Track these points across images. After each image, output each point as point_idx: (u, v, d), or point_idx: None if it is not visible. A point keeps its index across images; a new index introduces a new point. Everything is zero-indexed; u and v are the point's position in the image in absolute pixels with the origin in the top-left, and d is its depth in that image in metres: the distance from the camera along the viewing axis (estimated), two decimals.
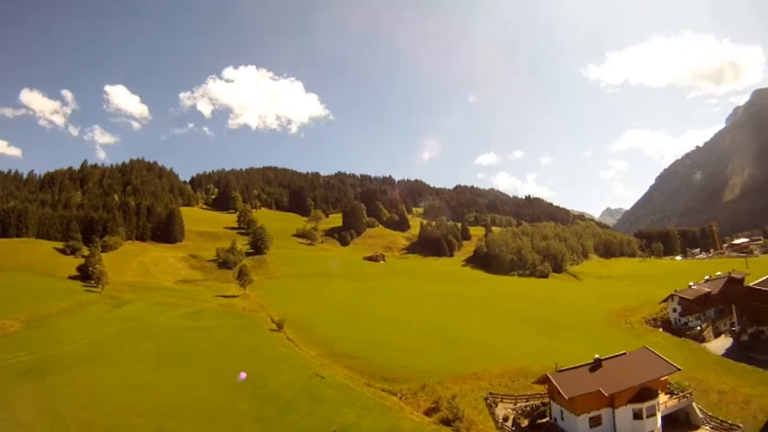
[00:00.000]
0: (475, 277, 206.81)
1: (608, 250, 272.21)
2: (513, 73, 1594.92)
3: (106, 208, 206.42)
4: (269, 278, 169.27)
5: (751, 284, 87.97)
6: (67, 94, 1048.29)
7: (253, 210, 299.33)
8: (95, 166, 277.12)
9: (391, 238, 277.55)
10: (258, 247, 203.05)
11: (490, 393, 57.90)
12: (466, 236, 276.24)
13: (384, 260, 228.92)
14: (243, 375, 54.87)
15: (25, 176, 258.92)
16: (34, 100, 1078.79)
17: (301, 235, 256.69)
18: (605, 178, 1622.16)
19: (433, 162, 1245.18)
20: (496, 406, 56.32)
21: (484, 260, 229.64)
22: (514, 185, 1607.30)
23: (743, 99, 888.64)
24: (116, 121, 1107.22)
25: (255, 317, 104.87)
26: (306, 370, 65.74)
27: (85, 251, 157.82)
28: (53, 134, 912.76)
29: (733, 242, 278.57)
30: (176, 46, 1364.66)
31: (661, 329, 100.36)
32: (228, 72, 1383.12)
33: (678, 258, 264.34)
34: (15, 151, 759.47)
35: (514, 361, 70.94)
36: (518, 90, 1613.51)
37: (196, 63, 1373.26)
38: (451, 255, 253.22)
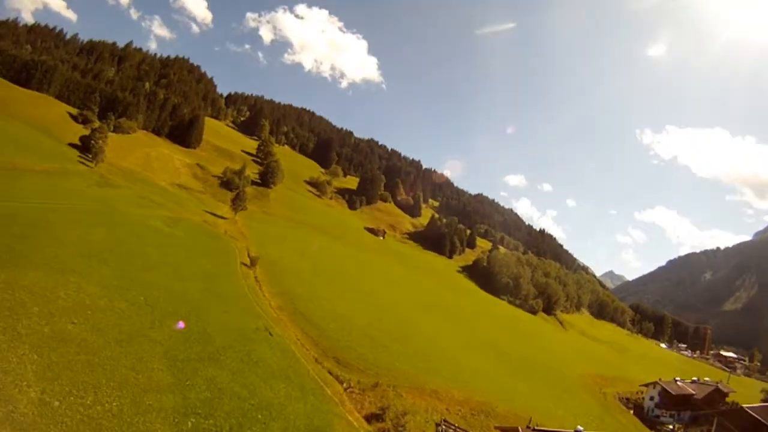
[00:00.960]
0: (466, 288, 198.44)
1: (601, 311, 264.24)
2: (570, 110, 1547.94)
3: (133, 92, 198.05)
4: (264, 213, 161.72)
5: (744, 405, 79.24)
6: None
7: (277, 145, 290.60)
8: (139, 49, 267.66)
9: (399, 219, 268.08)
10: (266, 179, 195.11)
11: (444, 420, 48.65)
12: (472, 244, 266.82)
13: (384, 237, 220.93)
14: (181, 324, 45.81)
15: (68, 37, 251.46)
16: None
17: (313, 184, 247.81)
18: (620, 243, 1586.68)
19: (463, 162, 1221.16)
20: None
21: (481, 274, 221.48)
22: (532, 215, 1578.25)
23: None
24: (178, 18, 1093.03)
25: (232, 245, 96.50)
26: (258, 319, 57.12)
27: (96, 124, 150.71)
28: (113, 11, 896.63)
29: (721, 352, 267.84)
30: None
31: (632, 412, 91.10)
32: (300, 8, 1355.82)
33: (663, 345, 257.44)
34: (71, 15, 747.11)
35: (479, 391, 61.75)
36: (571, 127, 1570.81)
37: None
38: (450, 257, 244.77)
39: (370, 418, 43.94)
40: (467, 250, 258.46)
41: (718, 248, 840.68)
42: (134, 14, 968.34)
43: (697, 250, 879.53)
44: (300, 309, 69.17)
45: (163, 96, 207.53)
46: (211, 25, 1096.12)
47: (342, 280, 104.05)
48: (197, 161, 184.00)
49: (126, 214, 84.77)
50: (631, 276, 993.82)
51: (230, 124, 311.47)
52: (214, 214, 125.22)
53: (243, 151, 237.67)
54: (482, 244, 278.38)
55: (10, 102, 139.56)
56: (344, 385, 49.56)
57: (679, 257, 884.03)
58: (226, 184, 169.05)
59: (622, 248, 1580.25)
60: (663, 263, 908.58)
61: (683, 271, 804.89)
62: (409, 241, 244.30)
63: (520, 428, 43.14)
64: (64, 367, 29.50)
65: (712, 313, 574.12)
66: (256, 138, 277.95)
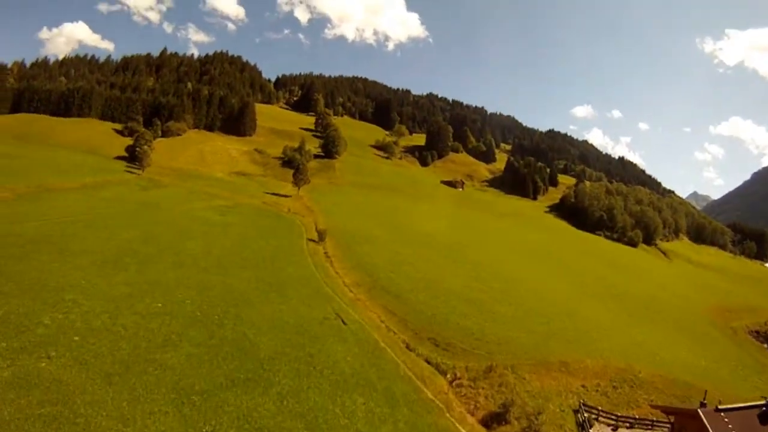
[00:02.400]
0: (558, 227, 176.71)
1: (699, 235, 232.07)
2: (626, 28, 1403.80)
3: (176, 94, 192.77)
4: (331, 183, 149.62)
5: None
6: None
7: (335, 117, 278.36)
8: (174, 54, 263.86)
9: (474, 167, 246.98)
10: (329, 150, 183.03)
11: (583, 404, 33.35)
12: (554, 182, 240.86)
13: (462, 187, 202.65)
14: None
15: (101, 60, 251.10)
16: None
17: (380, 147, 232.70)
18: (699, 161, 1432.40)
19: (526, 100, 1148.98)
20: (591, 427, 32.09)
21: (570, 211, 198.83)
22: (606, 145, 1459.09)
23: None
24: (211, 20, 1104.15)
25: (296, 221, 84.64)
26: (327, 304, 43.77)
27: (146, 134, 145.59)
28: (147, 30, 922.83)
29: None
30: None
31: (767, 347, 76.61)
32: None
33: None
34: (108, 45, 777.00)
35: (614, 354, 45.85)
36: (628, 47, 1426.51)
37: None
38: (535, 198, 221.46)
39: (488, 422, 29.39)
40: (550, 188, 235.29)
41: None
42: (168, 28, 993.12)
43: None
44: (381, 281, 55.15)
45: (207, 92, 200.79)
46: (245, 19, 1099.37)
47: (425, 240, 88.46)
48: (254, 147, 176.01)
49: (169, 211, 75.10)
50: (716, 195, 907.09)
51: (283, 106, 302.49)
52: (276, 194, 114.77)
53: (301, 128, 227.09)
54: (564, 180, 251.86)
55: (51, 133, 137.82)
56: (448, 376, 35.47)
57: (764, 168, 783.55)
58: (287, 163, 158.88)
59: (702, 166, 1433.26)
60: (747, 177, 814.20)
61: None
62: (489, 188, 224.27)
63: (700, 412, 25.99)
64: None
65: None
66: (312, 114, 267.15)
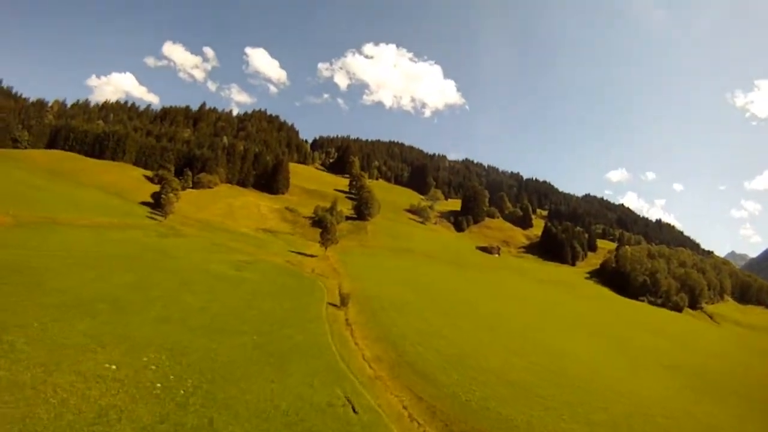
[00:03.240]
0: (600, 294, 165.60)
1: (744, 295, 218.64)
2: (655, 89, 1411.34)
3: (211, 147, 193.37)
4: (362, 246, 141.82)
5: None
6: (209, 51, 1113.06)
7: (371, 180, 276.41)
8: (213, 109, 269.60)
9: (511, 233, 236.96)
10: (361, 212, 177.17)
11: None
12: (593, 247, 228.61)
13: (499, 253, 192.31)
14: None
15: (141, 108, 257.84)
16: (175, 53, 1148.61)
17: (414, 211, 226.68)
18: (736, 218, 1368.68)
19: (561, 168, 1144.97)
20: None
21: (612, 277, 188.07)
22: (641, 208, 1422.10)
23: None
24: (254, 82, 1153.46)
25: (319, 283, 76.02)
26: (337, 384, 34.45)
27: (174, 182, 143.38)
28: (191, 87, 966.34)
29: None
30: (318, 17, 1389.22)
31: None
32: (368, 48, 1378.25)
33: None
34: (153, 98, 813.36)
35: None
36: (657, 107, 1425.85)
37: (338, 36, 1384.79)
38: (574, 264, 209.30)
39: None
40: (590, 253, 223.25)
41: None
42: (212, 86, 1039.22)
43: None
44: (407, 355, 45.51)
45: (242, 147, 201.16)
46: (287, 83, 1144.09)
47: (459, 310, 78.27)
48: (286, 205, 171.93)
49: (178, 260, 68.19)
50: (753, 252, 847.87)
51: (319, 167, 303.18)
52: (302, 253, 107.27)
53: (335, 190, 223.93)
54: (603, 245, 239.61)
55: (82, 172, 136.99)
56: None
57: None
58: (318, 223, 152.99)
59: (738, 224, 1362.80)
60: None
61: None
62: (526, 255, 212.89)
63: None
64: None
65: None
66: (347, 176, 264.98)
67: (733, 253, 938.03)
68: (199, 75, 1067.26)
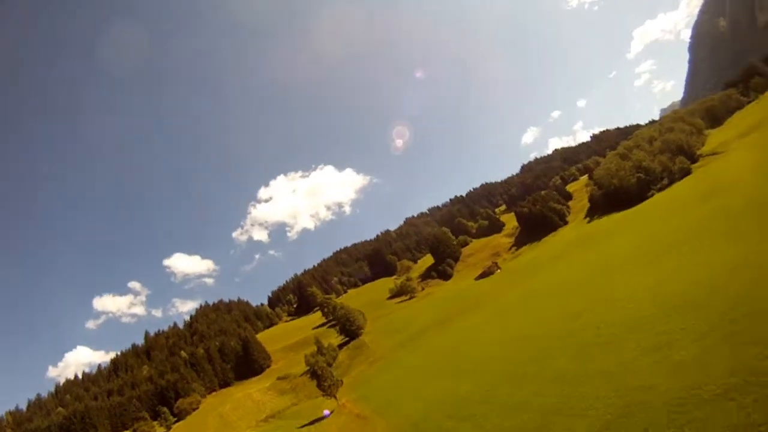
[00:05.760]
0: (624, 217, 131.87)
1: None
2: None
3: (173, 370, 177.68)
4: (372, 363, 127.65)
5: None
6: (135, 284, 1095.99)
7: (339, 296, 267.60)
8: (158, 332, 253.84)
9: (493, 243, 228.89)
10: (349, 330, 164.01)
11: None
12: (567, 195, 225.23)
13: (499, 267, 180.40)
14: None
15: (94, 373, 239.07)
16: (107, 304, 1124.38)
17: (397, 293, 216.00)
18: (642, 84, 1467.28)
19: (488, 164, 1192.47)
20: None
21: (609, 198, 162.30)
22: (567, 140, 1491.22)
23: None
24: (189, 285, 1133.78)
25: None
26: None
27: (157, 428, 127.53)
28: (140, 325, 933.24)
29: None
30: (204, 203, 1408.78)
31: None
32: (262, 192, 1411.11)
33: None
34: (106, 357, 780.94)
35: None
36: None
37: (232, 202, 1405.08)
38: (565, 222, 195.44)
39: None
40: (569, 203, 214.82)
41: None
42: (157, 312, 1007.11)
43: (693, 20, 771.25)
44: None
45: (202, 350, 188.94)
46: (217, 268, 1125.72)
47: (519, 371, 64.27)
48: (276, 376, 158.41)
49: None
50: (678, 95, 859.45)
51: (287, 319, 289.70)
52: (316, 421, 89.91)
53: (314, 329, 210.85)
54: (575, 185, 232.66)
55: None
56: None
57: (690, 40, 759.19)
58: (315, 374, 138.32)
59: (649, 85, 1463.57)
60: (687, 55, 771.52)
61: (704, 41, 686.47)
62: (520, 250, 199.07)
63: None
64: None
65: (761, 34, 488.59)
66: (317, 309, 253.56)
67: (662, 110, 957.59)
68: (139, 310, 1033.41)
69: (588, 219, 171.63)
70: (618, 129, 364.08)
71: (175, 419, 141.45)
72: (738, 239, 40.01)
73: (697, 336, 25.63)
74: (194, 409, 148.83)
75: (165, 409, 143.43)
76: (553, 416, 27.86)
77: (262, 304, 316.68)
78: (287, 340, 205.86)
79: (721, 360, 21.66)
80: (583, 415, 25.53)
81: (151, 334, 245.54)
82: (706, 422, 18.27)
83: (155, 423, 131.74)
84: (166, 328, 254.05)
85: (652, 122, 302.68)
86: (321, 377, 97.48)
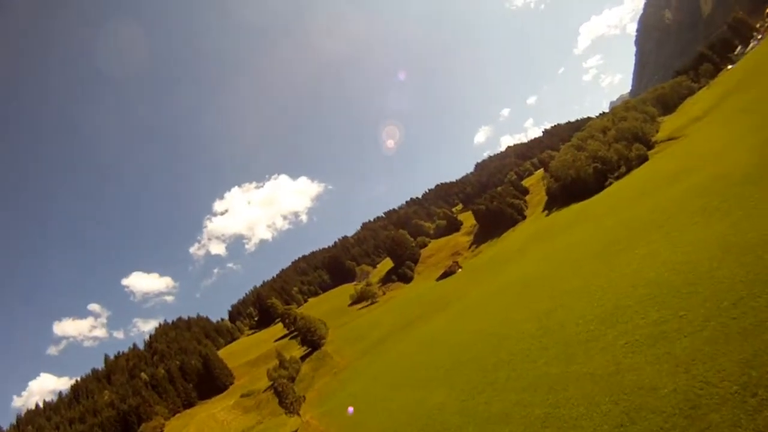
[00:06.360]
0: (583, 208, 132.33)
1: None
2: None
3: (134, 393, 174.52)
4: (336, 374, 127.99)
5: None
6: (95, 306, 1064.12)
7: (299, 306, 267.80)
8: (117, 354, 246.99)
9: (453, 242, 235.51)
10: (311, 341, 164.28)
11: None
12: (524, 189, 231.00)
13: (460, 266, 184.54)
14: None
15: (54, 401, 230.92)
16: (67, 328, 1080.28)
17: (358, 299, 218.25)
18: (590, 79, 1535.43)
19: (443, 162, 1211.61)
20: None
21: (566, 189, 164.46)
22: (520, 137, 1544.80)
23: None
24: (150, 304, 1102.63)
25: None
26: None
27: None
28: (102, 348, 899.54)
29: None
30: (158, 217, 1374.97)
31: None
32: (217, 205, 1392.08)
33: None
34: (70, 383, 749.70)
35: None
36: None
37: (188, 216, 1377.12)
38: (523, 216, 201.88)
39: None
40: (527, 197, 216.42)
41: None
42: (118, 335, 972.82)
43: (638, 12, 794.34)
44: None
45: (162, 370, 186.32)
46: (176, 284, 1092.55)
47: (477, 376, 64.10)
48: (240, 393, 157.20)
49: None
50: (626, 87, 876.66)
51: (249, 332, 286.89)
52: None
53: (275, 341, 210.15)
54: (531, 180, 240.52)
55: None
56: None
57: (635, 34, 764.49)
58: (276, 391, 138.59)
59: (597, 79, 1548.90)
60: (634, 48, 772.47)
61: (650, 33, 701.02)
62: (480, 247, 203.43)
63: None
64: None
65: (708, 21, 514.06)
66: (278, 320, 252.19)
67: (612, 103, 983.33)
68: (100, 333, 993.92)
69: (546, 212, 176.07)
70: (569, 123, 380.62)
71: None
72: (711, 220, 39.25)
73: (693, 327, 23.93)
74: None
75: None
76: (541, 429, 25.95)
77: (222, 319, 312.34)
78: (249, 354, 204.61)
79: (729, 351, 19.92)
80: (575, 426, 23.54)
81: (111, 356, 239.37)
82: (728, 426, 16.29)
83: None
84: (126, 350, 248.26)
85: (604, 114, 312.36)
86: (282, 394, 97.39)
